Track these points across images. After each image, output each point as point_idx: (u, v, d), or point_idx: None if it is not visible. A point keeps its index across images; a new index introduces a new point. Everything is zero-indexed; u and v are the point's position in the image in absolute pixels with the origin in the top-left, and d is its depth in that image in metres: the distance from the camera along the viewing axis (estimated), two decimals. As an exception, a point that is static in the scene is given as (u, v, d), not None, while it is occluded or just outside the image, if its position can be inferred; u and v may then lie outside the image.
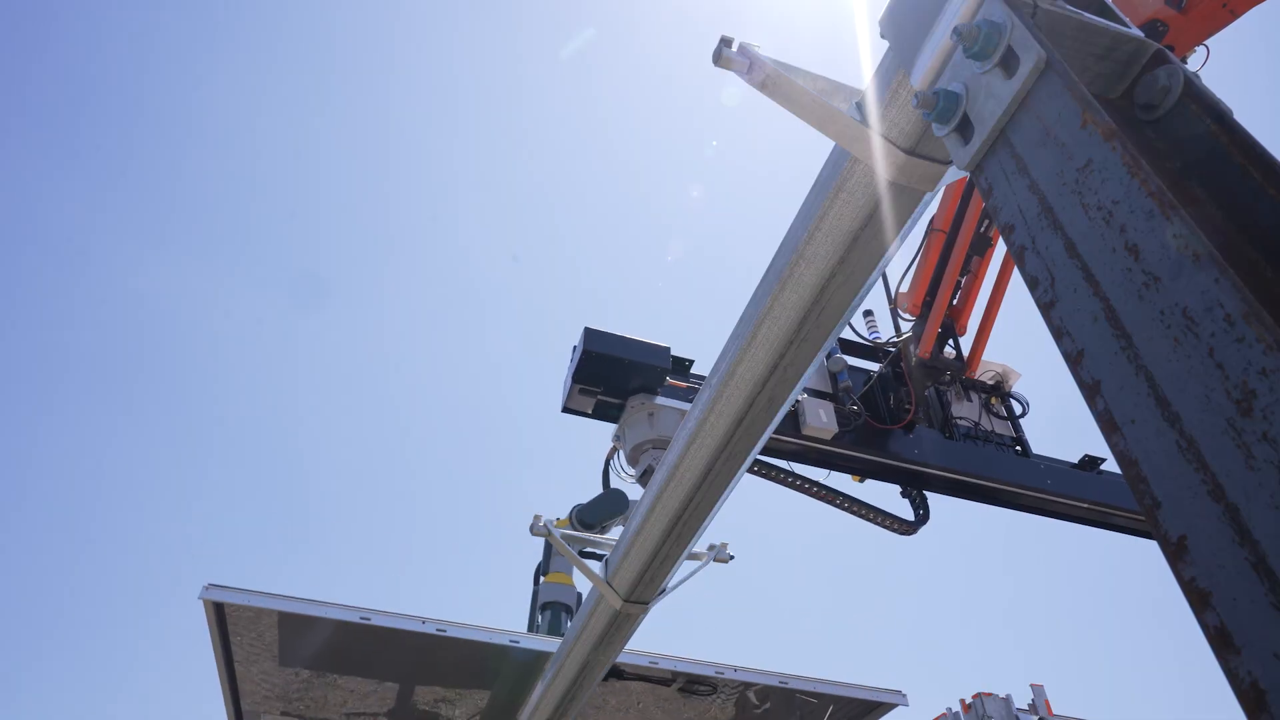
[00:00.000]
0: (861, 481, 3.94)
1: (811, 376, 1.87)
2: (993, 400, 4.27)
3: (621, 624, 2.55)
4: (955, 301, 4.20)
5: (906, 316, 4.31)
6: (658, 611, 2.64)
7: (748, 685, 4.70)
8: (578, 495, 3.21)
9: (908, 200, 1.40)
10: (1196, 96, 0.91)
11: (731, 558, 2.76)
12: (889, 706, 5.13)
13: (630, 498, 3.29)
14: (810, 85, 1.38)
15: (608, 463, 3.44)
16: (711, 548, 2.74)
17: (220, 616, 4.00)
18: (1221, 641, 0.63)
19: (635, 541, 2.31)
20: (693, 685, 4.83)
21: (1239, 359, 0.66)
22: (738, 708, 5.01)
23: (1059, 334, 0.86)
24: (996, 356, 4.34)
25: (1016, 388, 4.37)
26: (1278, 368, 0.63)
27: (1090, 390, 0.80)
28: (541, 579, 5.02)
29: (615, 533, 3.03)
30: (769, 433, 1.92)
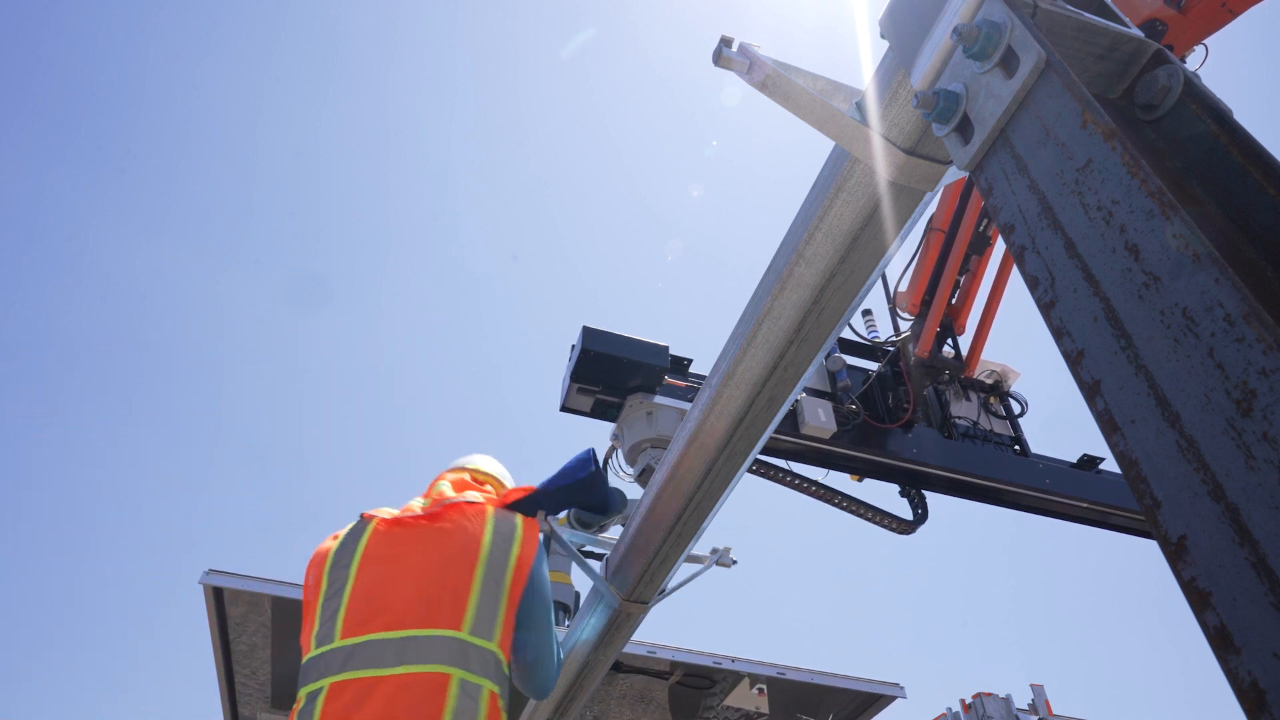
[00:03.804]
0: (860, 481, 3.93)
1: (811, 376, 1.87)
2: (991, 399, 4.27)
3: (621, 623, 2.55)
4: (954, 301, 4.20)
5: (905, 316, 4.30)
6: (659, 607, 2.64)
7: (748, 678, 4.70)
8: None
9: (908, 200, 1.40)
10: (1196, 96, 0.92)
11: (734, 562, 2.75)
12: (888, 699, 5.14)
13: (629, 497, 3.28)
14: (810, 85, 1.38)
15: (606, 461, 3.44)
16: (714, 551, 2.73)
17: (219, 601, 4.02)
18: (1221, 641, 0.63)
19: (635, 541, 2.31)
20: (691, 678, 4.84)
21: (1239, 359, 0.66)
22: (739, 700, 5.01)
23: (1059, 334, 0.86)
24: (996, 356, 4.33)
25: (1015, 387, 4.36)
26: (1278, 368, 0.63)
27: (1090, 390, 0.81)
28: (540, 578, 5.00)
29: (614, 532, 3.03)
30: (769, 432, 1.92)
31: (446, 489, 2.31)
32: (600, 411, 3.37)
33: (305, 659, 1.96)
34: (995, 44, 0.99)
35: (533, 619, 2.18)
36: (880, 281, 4.27)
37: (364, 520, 2.23)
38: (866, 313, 4.48)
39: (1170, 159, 0.92)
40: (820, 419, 3.59)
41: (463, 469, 2.53)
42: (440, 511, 2.17)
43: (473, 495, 2.29)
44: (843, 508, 3.94)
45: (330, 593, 2.04)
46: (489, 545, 2.08)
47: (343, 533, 2.21)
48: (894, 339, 4.27)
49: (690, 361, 3.61)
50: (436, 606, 1.96)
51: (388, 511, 2.26)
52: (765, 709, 4.99)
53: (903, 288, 4.36)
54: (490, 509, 2.20)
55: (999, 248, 4.13)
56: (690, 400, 3.20)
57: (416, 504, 2.28)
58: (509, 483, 2.58)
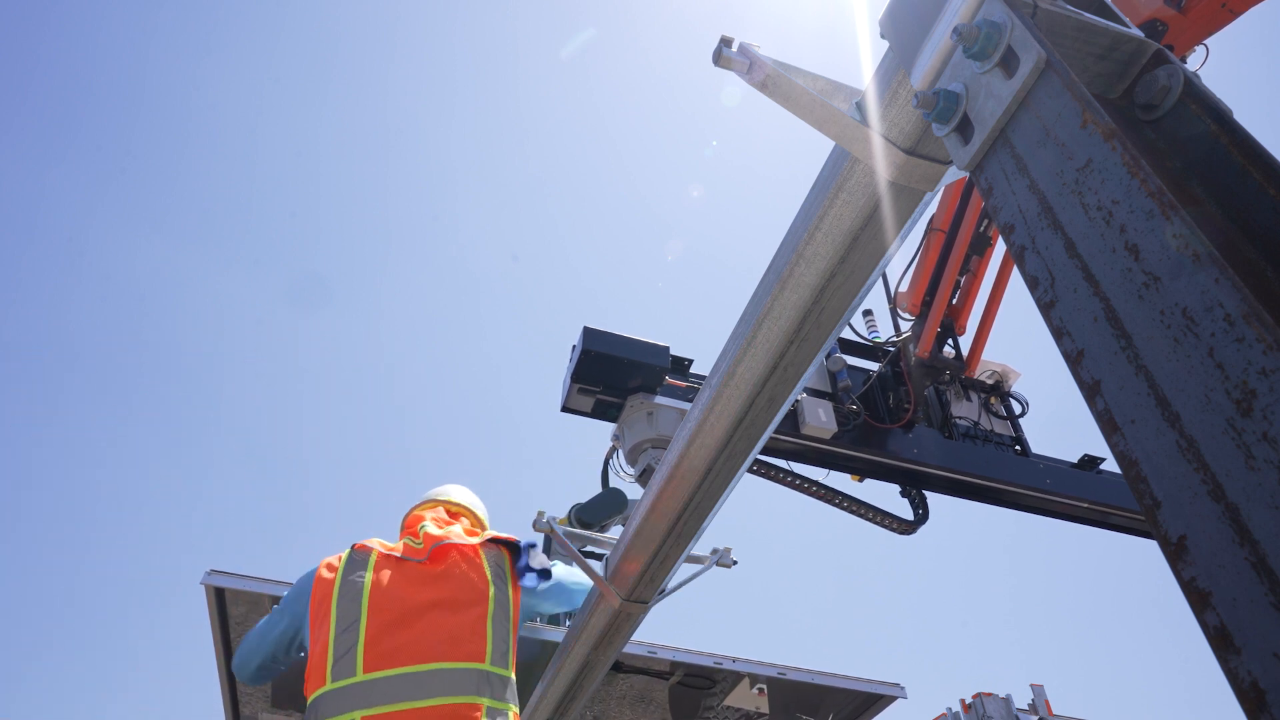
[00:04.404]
0: (861, 481, 3.93)
1: (811, 376, 1.87)
2: (992, 400, 4.26)
3: (621, 623, 2.55)
4: (954, 301, 4.19)
5: (906, 316, 4.29)
6: (659, 608, 2.64)
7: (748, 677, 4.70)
8: (576, 494, 3.21)
9: (908, 200, 1.40)
10: (1196, 96, 0.92)
11: (735, 563, 2.74)
12: (889, 700, 5.14)
13: (629, 497, 3.28)
14: (810, 85, 1.38)
15: (607, 462, 3.44)
16: (714, 551, 2.73)
17: (220, 602, 4.02)
18: (1221, 641, 0.63)
19: (635, 541, 2.31)
20: (691, 678, 4.83)
21: (1239, 359, 0.66)
22: (739, 701, 5.01)
23: (1059, 334, 0.86)
24: (996, 356, 4.33)
25: (1016, 387, 4.36)
26: (1278, 368, 0.63)
27: (1090, 390, 0.81)
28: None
29: (614, 531, 3.03)
30: (769, 432, 1.92)
31: (433, 529, 2.43)
32: (601, 412, 3.37)
33: (321, 691, 2.03)
34: (995, 44, 0.99)
35: (545, 606, 2.48)
36: (880, 282, 4.27)
37: (360, 551, 2.32)
38: (867, 313, 4.48)
39: (1170, 159, 0.92)
40: (820, 419, 3.59)
41: (436, 502, 2.65)
42: (440, 553, 2.33)
43: (457, 531, 2.46)
44: (843, 508, 3.94)
45: (342, 627, 2.12)
46: (493, 583, 2.30)
47: (340, 563, 2.28)
48: (894, 339, 4.26)
49: (691, 362, 3.61)
50: (459, 642, 2.12)
51: (379, 543, 2.38)
52: (765, 709, 4.99)
53: (903, 288, 4.36)
54: (481, 550, 2.39)
55: (999, 248, 4.13)
56: (690, 400, 3.20)
57: (403, 543, 2.40)
58: (481, 511, 2.74)
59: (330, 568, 2.27)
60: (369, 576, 2.22)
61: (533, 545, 2.55)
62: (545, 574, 2.53)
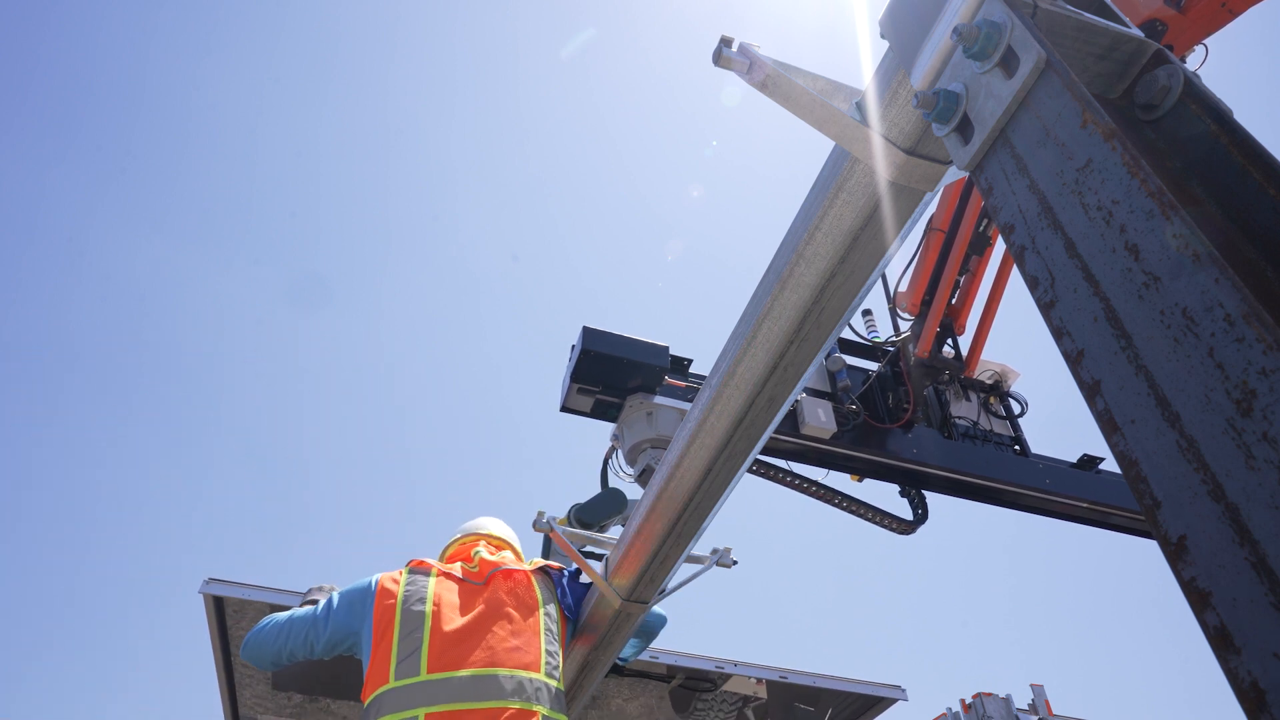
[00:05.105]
0: (860, 481, 3.92)
1: (811, 376, 1.87)
2: (991, 399, 4.26)
3: (621, 623, 2.55)
4: (954, 301, 4.19)
5: (905, 316, 4.29)
6: (659, 607, 2.64)
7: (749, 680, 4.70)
8: (576, 494, 3.21)
9: (908, 200, 1.40)
10: (1196, 96, 0.92)
11: (735, 562, 2.74)
12: (889, 701, 5.14)
13: (629, 497, 3.28)
14: (810, 85, 1.38)
15: (606, 462, 3.43)
16: (714, 551, 2.73)
17: (219, 611, 4.03)
18: (1221, 641, 0.63)
19: (635, 541, 2.31)
20: (693, 681, 4.84)
21: (1239, 359, 0.66)
22: (740, 703, 5.01)
23: (1059, 334, 0.86)
24: (996, 356, 4.33)
25: (1016, 387, 4.36)
26: (1278, 368, 0.63)
27: (1090, 390, 0.81)
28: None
29: (614, 531, 3.03)
30: (769, 432, 1.92)
31: (488, 555, 2.60)
32: (600, 412, 3.37)
33: (384, 689, 2.14)
34: (995, 44, 0.99)
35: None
36: (880, 281, 4.26)
37: (419, 566, 2.47)
38: (866, 313, 4.47)
39: (1170, 159, 0.92)
40: (820, 419, 3.59)
41: (478, 536, 2.79)
42: (497, 576, 2.48)
43: (510, 558, 2.64)
44: (843, 508, 3.93)
45: (406, 631, 2.24)
46: (543, 604, 2.46)
47: (401, 577, 2.42)
48: (894, 339, 4.26)
49: (690, 361, 3.60)
50: (516, 652, 2.26)
51: (435, 563, 2.52)
52: (763, 694, 5.00)
53: (903, 288, 4.36)
54: (533, 575, 2.57)
55: (999, 248, 4.12)
56: (690, 400, 3.20)
57: (459, 565, 2.53)
58: (518, 543, 2.92)
59: (394, 581, 2.40)
60: (431, 588, 2.36)
61: (579, 571, 2.70)
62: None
